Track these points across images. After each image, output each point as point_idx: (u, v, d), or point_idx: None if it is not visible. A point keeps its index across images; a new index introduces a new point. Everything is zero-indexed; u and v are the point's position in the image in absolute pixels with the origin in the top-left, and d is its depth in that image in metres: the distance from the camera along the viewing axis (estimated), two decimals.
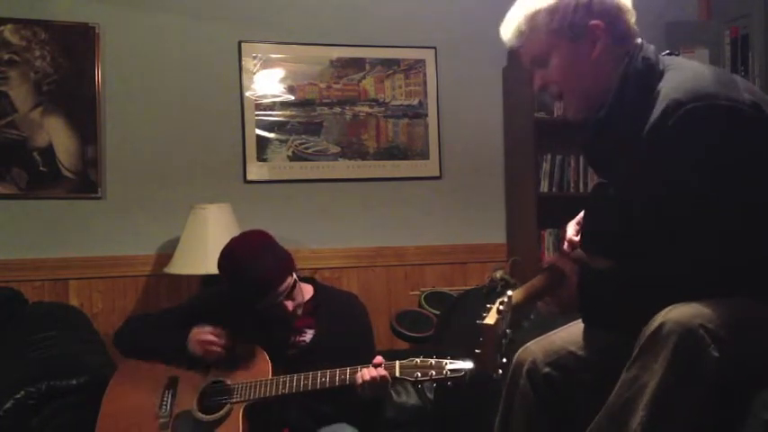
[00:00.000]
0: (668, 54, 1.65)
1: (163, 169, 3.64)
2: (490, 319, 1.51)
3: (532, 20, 1.65)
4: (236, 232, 2.76)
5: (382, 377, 2.04)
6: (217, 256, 2.34)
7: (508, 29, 1.70)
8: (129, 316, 2.58)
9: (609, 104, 1.62)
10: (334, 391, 2.11)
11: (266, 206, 3.67)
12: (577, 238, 1.72)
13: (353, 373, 2.08)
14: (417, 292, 3.77)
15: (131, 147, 3.60)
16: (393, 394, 2.71)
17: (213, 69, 3.71)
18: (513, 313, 1.54)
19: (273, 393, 2.13)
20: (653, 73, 1.56)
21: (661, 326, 1.37)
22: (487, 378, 1.52)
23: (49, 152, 3.48)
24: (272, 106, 3.78)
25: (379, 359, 2.09)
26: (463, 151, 4.04)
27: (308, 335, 2.33)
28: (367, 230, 3.90)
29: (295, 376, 2.13)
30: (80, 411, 2.33)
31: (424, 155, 3.99)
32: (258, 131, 3.75)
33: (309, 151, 3.83)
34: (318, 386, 2.10)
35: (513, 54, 4.16)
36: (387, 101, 3.94)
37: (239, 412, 2.14)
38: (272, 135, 3.77)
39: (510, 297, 1.54)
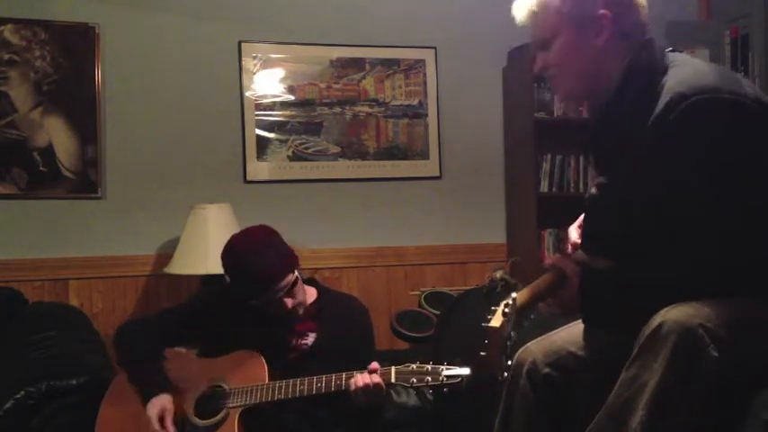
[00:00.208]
0: (672, 51, 1.65)
1: (163, 169, 3.63)
2: (496, 321, 1.51)
3: (544, 1, 1.65)
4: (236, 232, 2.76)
5: (375, 384, 2.03)
6: (217, 256, 2.34)
7: (520, 7, 1.70)
8: (126, 320, 2.57)
9: (611, 98, 1.63)
10: (330, 397, 2.10)
11: (266, 206, 3.67)
12: (580, 241, 1.72)
13: (348, 379, 2.07)
14: (417, 292, 3.77)
15: (131, 147, 3.60)
16: (393, 394, 2.71)
17: (213, 69, 3.71)
18: (517, 315, 1.54)
19: (269, 398, 2.12)
20: (657, 69, 1.57)
21: (660, 325, 1.37)
22: (491, 380, 1.52)
23: (49, 152, 3.48)
24: (272, 106, 3.78)
25: (374, 365, 2.07)
26: (463, 151, 4.04)
27: (310, 338, 2.32)
28: (367, 230, 3.90)
29: (291, 381, 2.12)
30: (80, 411, 2.33)
31: (424, 155, 3.99)
32: (258, 131, 3.75)
33: (309, 151, 3.83)
34: (314, 391, 2.09)
35: (513, 54, 4.20)
36: (387, 101, 3.94)
37: (235, 417, 2.14)
38: (272, 135, 3.77)
39: (515, 299, 1.54)
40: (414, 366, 2.04)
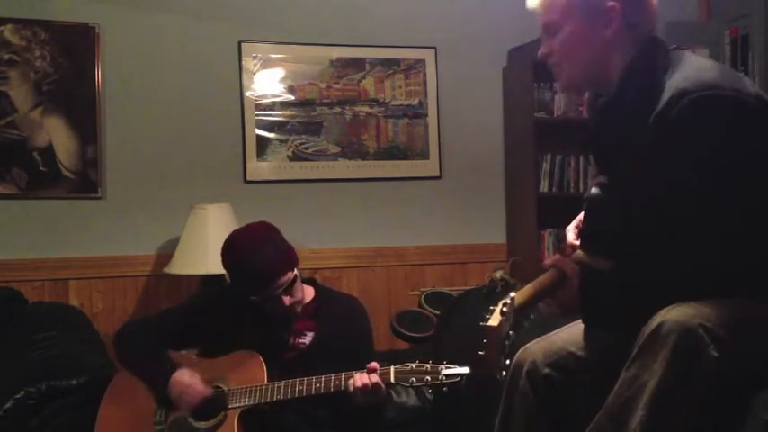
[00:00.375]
0: (675, 49, 1.65)
1: (163, 169, 3.64)
2: (494, 320, 1.51)
3: None
4: None
5: (375, 384, 2.03)
6: (217, 256, 2.34)
7: None
8: (126, 321, 2.57)
9: (612, 96, 1.63)
10: (330, 397, 2.10)
11: (266, 206, 3.67)
12: (578, 242, 1.72)
13: (347, 379, 2.07)
14: (417, 292, 3.77)
15: (131, 147, 3.60)
16: (393, 394, 2.71)
17: (213, 69, 3.71)
18: (516, 315, 1.54)
19: (268, 399, 2.12)
20: (659, 66, 1.57)
21: (660, 325, 1.37)
22: (490, 379, 1.52)
23: (49, 152, 3.48)
24: (272, 106, 3.78)
25: (373, 365, 2.07)
26: (463, 151, 4.04)
27: (308, 337, 2.32)
28: (367, 230, 3.90)
29: (290, 382, 2.12)
30: (80, 411, 2.33)
31: (424, 155, 3.99)
32: (258, 131, 3.75)
33: (309, 151, 3.83)
34: (313, 392, 2.09)
35: (513, 54, 4.19)
36: (387, 101, 3.94)
37: (234, 418, 2.13)
38: (272, 135, 3.77)
39: (513, 299, 1.55)
40: (413, 366, 2.04)
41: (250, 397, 2.14)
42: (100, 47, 3.55)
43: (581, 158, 3.93)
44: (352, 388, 2.04)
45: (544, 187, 3.93)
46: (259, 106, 3.76)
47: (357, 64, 3.90)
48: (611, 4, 1.61)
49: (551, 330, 1.82)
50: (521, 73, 3.95)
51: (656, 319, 1.38)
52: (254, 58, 3.76)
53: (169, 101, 3.66)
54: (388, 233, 3.92)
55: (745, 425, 1.39)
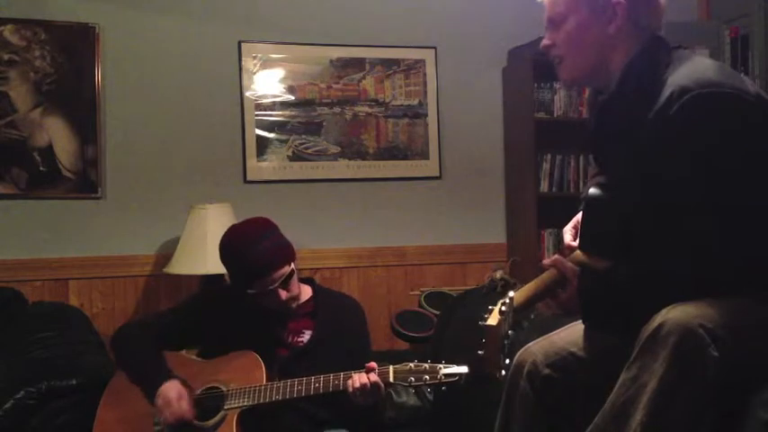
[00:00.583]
0: (677, 48, 1.65)
1: (163, 169, 3.64)
2: (492, 320, 1.51)
3: None
4: None
5: (374, 383, 2.03)
6: (217, 256, 2.34)
7: None
8: (124, 323, 2.57)
9: (612, 93, 1.64)
10: (329, 397, 2.10)
11: (266, 206, 3.66)
12: (575, 243, 1.71)
13: (346, 379, 2.07)
14: (417, 292, 3.77)
15: (131, 147, 3.60)
16: (393, 394, 2.71)
17: (213, 69, 3.71)
18: (515, 314, 1.54)
19: (267, 399, 2.12)
20: (660, 65, 1.57)
21: (660, 325, 1.37)
22: (490, 379, 1.52)
23: (49, 152, 3.48)
24: (272, 106, 3.78)
25: (371, 364, 2.07)
26: (463, 151, 4.04)
27: (306, 336, 2.32)
28: (367, 230, 3.90)
29: (288, 382, 2.12)
30: (80, 411, 2.32)
31: (424, 155, 3.99)
32: (258, 131, 3.75)
33: (309, 151, 3.83)
34: (312, 392, 2.09)
35: (513, 54, 4.19)
36: (387, 101, 3.94)
37: (233, 418, 2.13)
38: (272, 135, 3.77)
39: (512, 298, 1.55)
40: (412, 365, 2.04)
41: (249, 397, 2.14)
42: (100, 47, 3.55)
43: (581, 158, 3.93)
44: (351, 388, 2.04)
45: (544, 187, 3.94)
46: (259, 106, 3.76)
47: (357, 64, 3.90)
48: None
49: (552, 330, 1.82)
50: (521, 73, 3.95)
51: (657, 320, 1.38)
52: (254, 58, 3.76)
53: (169, 101, 3.66)
54: (388, 233, 3.92)
55: (745, 425, 1.39)
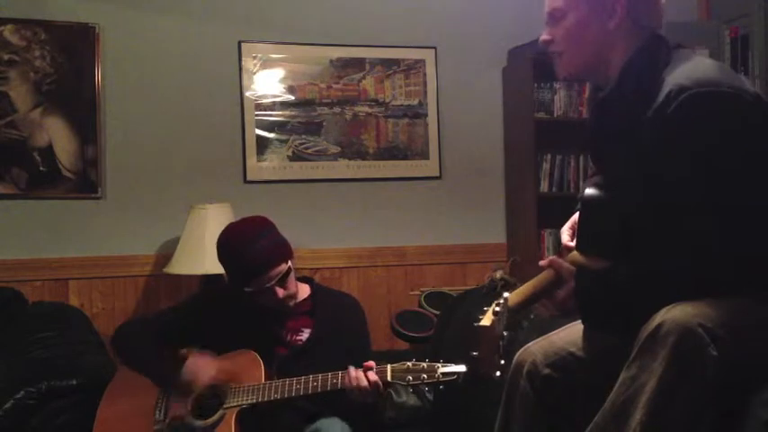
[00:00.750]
0: (677, 47, 1.65)
1: (163, 169, 3.64)
2: (486, 320, 1.51)
3: None
4: None
5: (373, 383, 2.03)
6: (216, 256, 2.34)
7: None
8: (124, 321, 2.57)
9: (610, 91, 1.64)
10: (328, 395, 2.10)
11: (266, 206, 3.64)
12: (573, 243, 1.71)
13: (345, 378, 2.07)
14: (417, 292, 3.77)
15: (131, 147, 3.60)
16: (393, 394, 2.71)
17: (213, 69, 3.71)
18: (510, 315, 1.54)
19: (266, 398, 2.12)
20: (659, 63, 1.57)
21: (660, 325, 1.36)
22: (487, 380, 1.52)
23: (49, 152, 3.48)
24: (272, 106, 3.78)
25: (370, 363, 2.08)
26: (463, 151, 4.04)
27: (305, 334, 2.33)
28: (367, 230, 3.90)
29: (287, 381, 2.12)
30: (80, 411, 2.33)
31: (424, 155, 3.99)
32: (258, 131, 3.75)
33: (309, 151, 3.83)
34: (310, 391, 2.09)
35: (513, 54, 4.19)
36: (387, 101, 3.94)
37: (232, 417, 2.13)
38: (272, 135, 3.77)
39: (506, 299, 1.55)
40: (409, 364, 2.04)
41: (248, 396, 2.14)
42: (100, 47, 3.55)
43: (581, 158, 3.93)
44: (350, 386, 2.05)
45: (544, 187, 3.94)
46: (259, 106, 3.76)
47: (357, 64, 3.90)
48: None
49: (551, 330, 1.82)
50: (521, 73, 3.95)
51: (656, 319, 1.38)
52: (254, 58, 3.76)
53: (169, 101, 3.66)
54: (388, 233, 3.92)
55: (745, 425, 1.38)
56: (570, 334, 1.75)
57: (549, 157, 3.94)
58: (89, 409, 2.30)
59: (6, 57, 3.43)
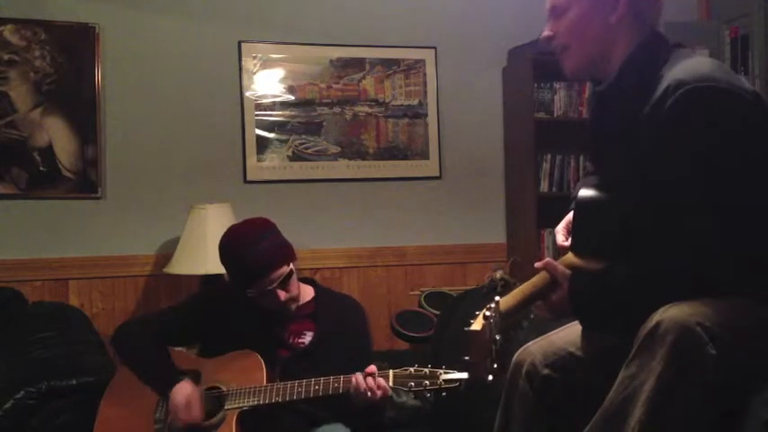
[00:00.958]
0: (677, 46, 1.65)
1: (163, 169, 3.64)
2: (476, 325, 1.51)
3: None
4: None
5: (380, 387, 2.03)
6: (216, 256, 2.34)
7: None
8: (124, 321, 2.57)
9: (609, 87, 1.64)
10: (329, 398, 2.10)
11: (266, 206, 3.66)
12: (568, 243, 1.70)
13: (347, 382, 2.06)
14: (417, 292, 3.77)
15: (131, 147, 3.60)
16: (393, 394, 2.71)
17: (213, 69, 3.71)
18: (502, 319, 1.53)
19: (267, 401, 2.12)
20: (659, 60, 1.57)
21: (658, 324, 1.36)
22: (481, 384, 1.51)
23: (49, 152, 3.48)
24: (272, 106, 3.78)
25: (371, 368, 2.07)
26: (463, 151, 4.04)
27: (307, 337, 2.32)
28: (367, 230, 3.90)
29: (288, 384, 2.12)
30: (80, 411, 2.32)
31: (424, 155, 3.99)
32: (258, 131, 3.75)
33: (309, 151, 3.83)
34: (312, 394, 2.09)
35: (513, 54, 4.18)
36: (387, 101, 3.94)
37: (233, 419, 2.13)
38: (272, 135, 3.77)
39: (497, 303, 1.54)
40: (412, 370, 2.04)
41: (249, 398, 2.14)
42: (100, 47, 3.55)
43: (581, 158, 3.93)
44: (353, 390, 2.04)
45: (544, 187, 3.94)
46: (259, 106, 3.76)
47: (357, 64, 3.90)
48: None
49: (551, 330, 1.82)
50: (521, 73, 3.95)
51: (654, 318, 1.38)
52: (254, 58, 3.76)
53: (169, 101, 3.66)
54: (388, 233, 3.92)
55: (745, 424, 1.38)
56: (569, 334, 1.75)
57: (549, 157, 3.94)
58: (89, 409, 2.30)
59: (6, 57, 3.43)
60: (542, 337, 1.80)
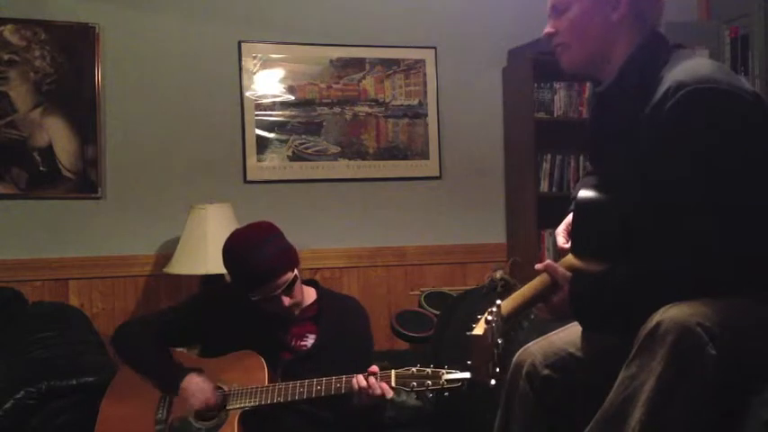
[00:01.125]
0: (677, 47, 1.65)
1: (163, 169, 3.64)
2: (478, 329, 1.51)
3: None
4: None
5: (381, 387, 2.03)
6: (217, 256, 2.34)
7: None
8: (125, 321, 2.58)
9: (609, 86, 1.64)
10: (330, 399, 2.10)
11: (266, 206, 3.67)
12: (568, 246, 1.70)
13: (348, 382, 2.06)
14: (417, 292, 3.77)
15: (131, 147, 3.60)
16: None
17: (213, 69, 3.71)
18: (504, 323, 1.53)
19: (269, 401, 2.12)
20: (659, 61, 1.57)
21: (658, 324, 1.36)
22: (482, 387, 1.51)
23: (49, 152, 3.48)
24: (272, 106, 3.78)
25: (373, 368, 2.07)
26: (463, 151, 4.04)
27: (310, 340, 2.32)
28: (367, 230, 3.90)
29: (290, 384, 2.11)
30: (80, 411, 2.32)
31: (424, 155, 3.99)
32: (258, 131, 3.75)
33: (309, 151, 3.83)
34: (314, 395, 2.08)
35: (513, 54, 4.18)
36: (387, 101, 3.94)
37: (235, 419, 2.13)
38: (272, 135, 3.77)
39: (499, 306, 1.54)
40: (414, 370, 2.03)
41: (251, 398, 2.14)
42: (100, 47, 3.55)
43: (581, 158, 3.93)
44: (355, 390, 2.04)
45: (544, 187, 3.94)
46: (259, 106, 3.76)
47: (357, 64, 3.90)
48: None
49: (551, 331, 1.82)
50: (521, 73, 3.95)
51: (654, 318, 1.38)
52: (254, 58, 3.76)
53: (169, 101, 3.66)
54: (388, 233, 3.92)
55: (745, 424, 1.38)
56: (569, 334, 1.75)
57: (549, 157, 3.94)
58: (89, 409, 2.29)
59: (6, 57, 3.43)
60: (542, 337, 1.80)
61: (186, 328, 2.37)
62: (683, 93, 1.45)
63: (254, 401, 2.13)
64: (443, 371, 2.01)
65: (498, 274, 3.15)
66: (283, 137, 3.79)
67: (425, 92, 3.99)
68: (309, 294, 2.39)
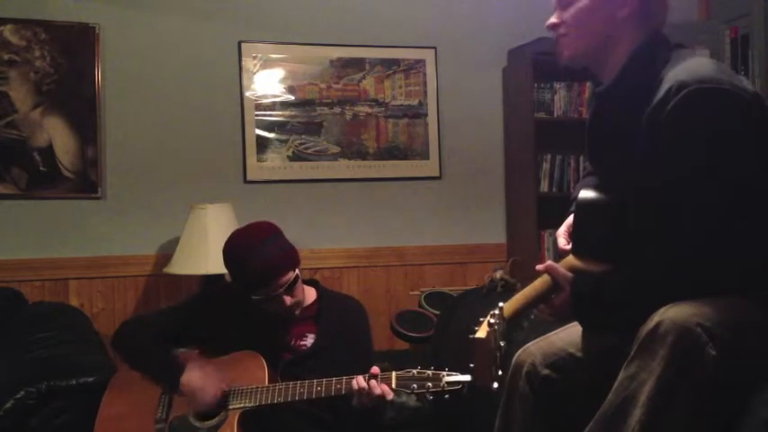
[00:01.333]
0: (678, 47, 1.65)
1: (163, 169, 3.64)
2: (481, 332, 1.50)
3: None
4: None
5: (381, 388, 2.03)
6: (217, 256, 2.34)
7: None
8: (124, 320, 2.58)
9: (610, 86, 1.64)
10: (330, 399, 2.10)
11: (266, 206, 3.67)
12: (569, 248, 1.70)
13: (349, 383, 2.06)
14: (417, 292, 3.77)
15: (131, 147, 3.60)
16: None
17: (213, 69, 3.71)
18: (507, 325, 1.53)
19: (269, 401, 2.11)
20: (660, 61, 1.57)
21: (658, 324, 1.36)
22: (485, 391, 1.51)
23: (49, 152, 3.48)
24: (272, 106, 3.78)
25: (375, 369, 2.07)
26: (463, 151, 4.04)
27: (309, 339, 2.32)
28: (367, 230, 3.90)
29: (290, 384, 2.11)
30: (80, 411, 2.32)
31: (424, 155, 3.99)
32: (258, 131, 3.75)
33: (309, 151, 3.83)
34: (314, 395, 2.08)
35: (513, 54, 4.18)
36: (387, 101, 3.94)
37: (235, 419, 2.13)
38: (272, 135, 3.77)
39: (501, 309, 1.54)
40: (415, 372, 2.03)
41: (251, 398, 2.14)
42: (100, 47, 3.55)
43: (581, 158, 3.93)
44: (356, 391, 2.04)
45: (544, 187, 3.94)
46: (259, 106, 3.76)
47: (357, 64, 3.90)
48: None
49: (551, 331, 1.82)
50: (521, 73, 3.95)
51: (654, 318, 1.38)
52: (254, 58, 3.76)
53: (169, 101, 3.66)
54: (388, 233, 3.92)
55: (745, 424, 1.38)
56: (569, 334, 1.75)
57: (548, 157, 3.94)
58: (89, 409, 2.29)
59: (6, 57, 3.43)
60: (542, 337, 1.80)
61: (186, 327, 2.37)
62: (684, 93, 1.45)
63: (255, 401, 2.13)
64: (444, 373, 2.00)
65: (498, 275, 3.15)
66: (283, 137, 3.79)
67: (425, 92, 3.99)
68: (310, 294, 2.39)
